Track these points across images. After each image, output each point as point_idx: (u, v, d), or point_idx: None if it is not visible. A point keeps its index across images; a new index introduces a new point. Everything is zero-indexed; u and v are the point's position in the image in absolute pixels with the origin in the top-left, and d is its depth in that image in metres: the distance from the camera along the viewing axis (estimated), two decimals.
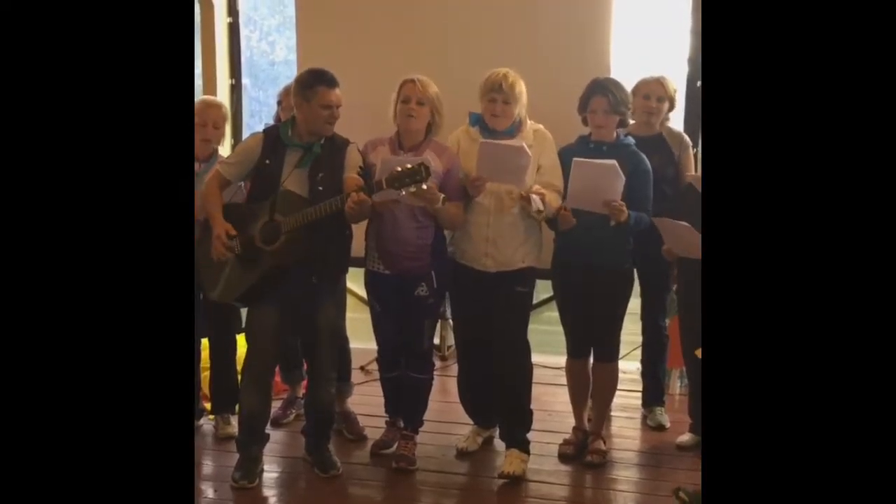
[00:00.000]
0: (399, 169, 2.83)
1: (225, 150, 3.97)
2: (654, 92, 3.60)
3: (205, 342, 3.73)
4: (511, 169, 3.03)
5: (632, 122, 3.60)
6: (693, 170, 3.66)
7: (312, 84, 3.03)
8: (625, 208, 3.09)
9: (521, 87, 3.14)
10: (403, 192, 2.84)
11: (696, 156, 3.76)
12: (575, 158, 3.10)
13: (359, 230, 3.25)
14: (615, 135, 3.29)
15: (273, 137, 3.12)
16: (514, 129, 3.18)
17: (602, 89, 3.22)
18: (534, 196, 3.06)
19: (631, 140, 3.33)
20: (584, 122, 3.32)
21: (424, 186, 2.84)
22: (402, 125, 3.17)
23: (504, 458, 3.28)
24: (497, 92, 3.12)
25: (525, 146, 3.02)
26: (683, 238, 3.06)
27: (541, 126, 3.24)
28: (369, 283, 3.34)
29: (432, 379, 3.43)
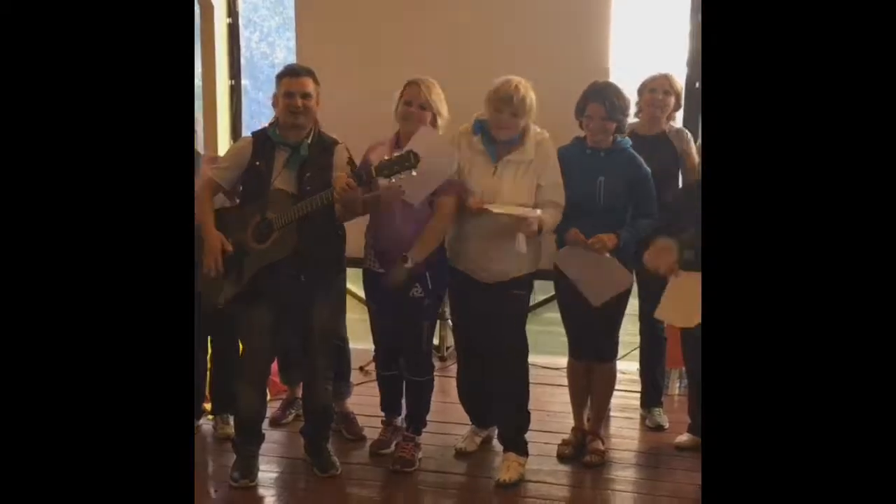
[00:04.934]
0: (387, 157, 2.84)
1: (220, 150, 3.98)
2: (660, 86, 3.59)
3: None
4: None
5: (636, 119, 3.60)
6: (696, 158, 3.61)
7: (280, 76, 3.07)
8: (608, 248, 3.12)
9: (531, 99, 3.07)
10: (394, 180, 2.84)
11: (698, 148, 3.67)
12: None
13: (358, 230, 3.26)
14: (612, 139, 3.24)
15: (263, 139, 3.10)
16: (518, 140, 3.13)
17: (599, 96, 3.17)
18: (519, 236, 3.03)
19: (628, 142, 3.29)
20: (581, 125, 3.30)
21: (414, 173, 2.82)
22: (402, 126, 3.17)
23: (502, 463, 3.28)
24: (506, 104, 3.05)
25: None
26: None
27: (546, 135, 3.17)
28: (366, 283, 3.35)
29: (433, 380, 3.42)
